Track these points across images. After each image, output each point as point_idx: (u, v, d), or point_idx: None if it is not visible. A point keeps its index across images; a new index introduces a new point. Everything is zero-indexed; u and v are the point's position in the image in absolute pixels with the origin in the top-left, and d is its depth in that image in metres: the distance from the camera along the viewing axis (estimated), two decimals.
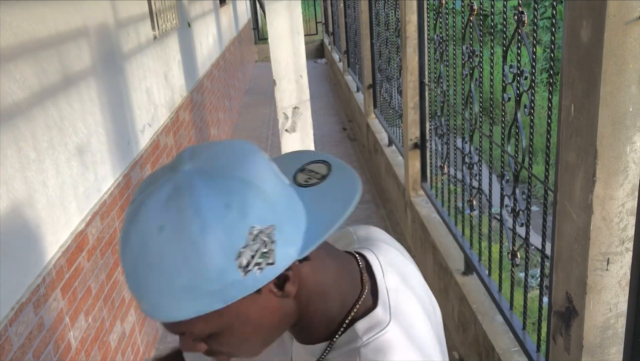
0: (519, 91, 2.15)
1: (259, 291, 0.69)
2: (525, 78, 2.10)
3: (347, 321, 0.79)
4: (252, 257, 0.65)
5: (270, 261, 0.66)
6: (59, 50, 2.42)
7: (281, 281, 0.71)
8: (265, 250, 0.66)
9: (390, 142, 5.24)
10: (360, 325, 0.78)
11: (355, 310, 0.79)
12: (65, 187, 2.33)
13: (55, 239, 2.20)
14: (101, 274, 2.60)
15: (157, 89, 3.95)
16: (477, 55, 2.63)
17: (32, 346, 1.94)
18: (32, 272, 2.02)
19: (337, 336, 0.79)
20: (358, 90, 7.61)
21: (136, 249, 0.66)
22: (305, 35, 3.73)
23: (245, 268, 0.65)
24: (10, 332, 1.81)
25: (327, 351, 0.80)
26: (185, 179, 0.67)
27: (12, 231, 1.91)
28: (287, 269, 0.70)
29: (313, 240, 0.69)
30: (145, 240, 0.65)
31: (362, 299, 0.80)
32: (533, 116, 2.06)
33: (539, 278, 2.21)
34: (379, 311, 0.79)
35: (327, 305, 0.78)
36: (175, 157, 0.72)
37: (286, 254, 0.68)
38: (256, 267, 0.66)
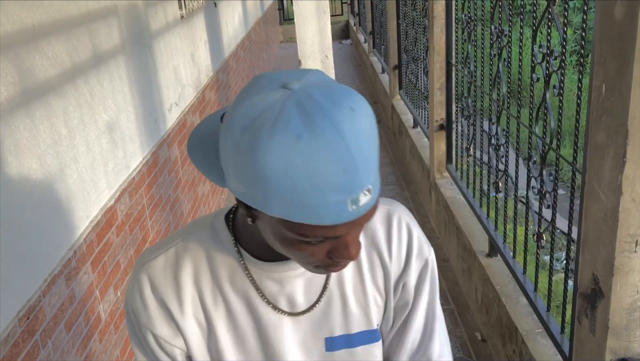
0: (549, 71, 2.12)
1: None
2: (555, 58, 2.07)
3: None
4: None
5: None
6: (90, 29, 2.45)
7: None
8: None
9: (416, 124, 5.21)
10: None
11: None
12: (96, 163, 2.37)
13: (85, 214, 2.25)
14: (129, 250, 2.66)
15: (184, 69, 3.98)
16: (505, 36, 2.60)
17: (64, 317, 2.00)
18: (63, 245, 2.07)
19: None
20: (383, 71, 7.56)
21: (353, 135, 0.68)
22: (330, 16, 3.71)
23: None
24: (43, 303, 1.86)
25: None
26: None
27: (44, 204, 1.96)
28: None
29: None
30: (353, 124, 0.68)
31: None
32: (562, 97, 2.04)
33: (564, 262, 2.20)
34: None
35: None
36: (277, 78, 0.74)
37: None
38: None
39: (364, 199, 0.70)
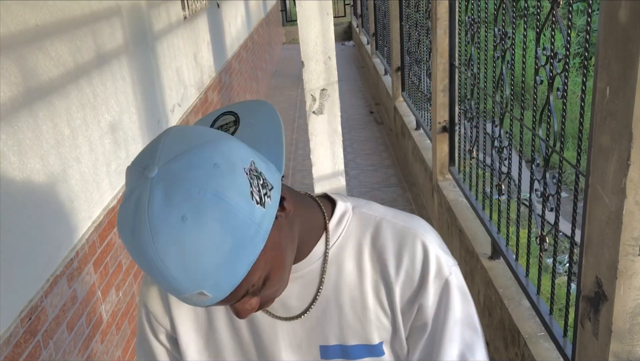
0: (552, 73, 2.11)
1: (275, 217, 0.76)
2: (559, 61, 2.07)
3: (327, 222, 0.92)
4: (259, 190, 0.73)
5: (270, 186, 0.75)
6: (93, 29, 2.45)
7: (281, 203, 0.79)
8: (261, 181, 0.74)
9: (418, 126, 5.21)
10: (333, 221, 0.92)
11: (327, 214, 0.92)
12: (98, 164, 2.37)
13: (88, 214, 2.25)
14: None
15: (187, 70, 3.98)
16: (509, 38, 2.60)
17: (66, 318, 2.00)
18: (65, 246, 2.07)
19: (328, 236, 0.91)
20: (386, 73, 7.56)
21: (175, 250, 0.68)
22: (333, 17, 3.69)
23: (261, 201, 0.72)
24: (45, 303, 1.86)
25: (328, 249, 0.91)
26: (165, 172, 0.70)
27: (47, 204, 1.96)
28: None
29: (279, 158, 0.79)
30: (178, 238, 0.67)
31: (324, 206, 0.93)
32: (566, 100, 2.03)
33: (567, 264, 2.19)
34: (339, 205, 0.94)
35: (307, 212, 0.90)
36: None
37: (274, 176, 0.77)
38: (266, 196, 0.73)
39: (200, 299, 0.72)
